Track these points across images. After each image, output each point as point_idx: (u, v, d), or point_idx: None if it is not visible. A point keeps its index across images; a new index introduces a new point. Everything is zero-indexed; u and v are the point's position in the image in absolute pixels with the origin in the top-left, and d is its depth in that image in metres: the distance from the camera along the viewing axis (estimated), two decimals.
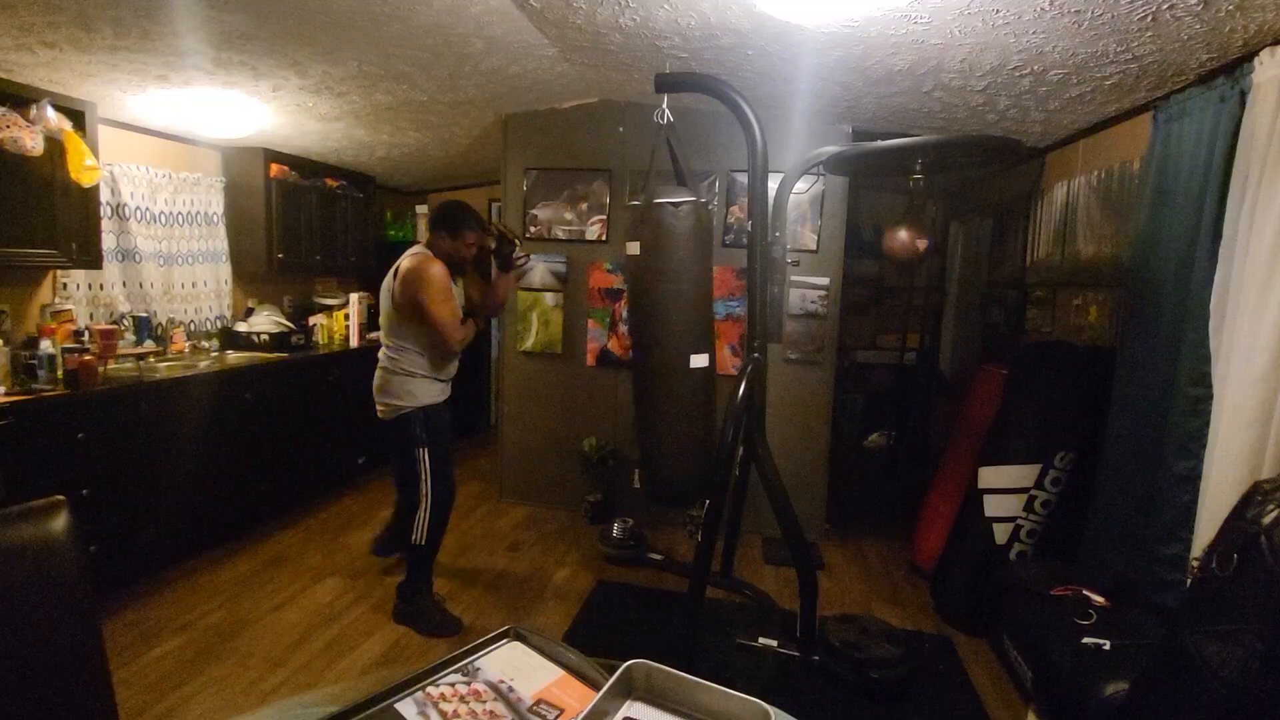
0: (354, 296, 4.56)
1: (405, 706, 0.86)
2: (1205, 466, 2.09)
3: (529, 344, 4.00)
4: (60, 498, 1.08)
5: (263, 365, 3.62)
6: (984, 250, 4.42)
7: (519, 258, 2.82)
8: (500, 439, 4.20)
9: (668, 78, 2.46)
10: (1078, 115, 2.92)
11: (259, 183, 3.97)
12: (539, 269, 3.92)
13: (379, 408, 2.72)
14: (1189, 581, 1.91)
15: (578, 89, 3.47)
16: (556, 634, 2.70)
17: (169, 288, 3.69)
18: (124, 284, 3.44)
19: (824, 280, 3.63)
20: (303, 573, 3.12)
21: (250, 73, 2.83)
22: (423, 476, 2.67)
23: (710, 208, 3.47)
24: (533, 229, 3.92)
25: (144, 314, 3.50)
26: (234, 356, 3.71)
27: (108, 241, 3.24)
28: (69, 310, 3.08)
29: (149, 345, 3.45)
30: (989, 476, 2.86)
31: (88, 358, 2.74)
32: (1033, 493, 2.74)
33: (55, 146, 2.73)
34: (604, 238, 3.84)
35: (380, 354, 2.72)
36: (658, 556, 3.41)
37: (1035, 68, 2.41)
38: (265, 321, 4.05)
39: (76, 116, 2.83)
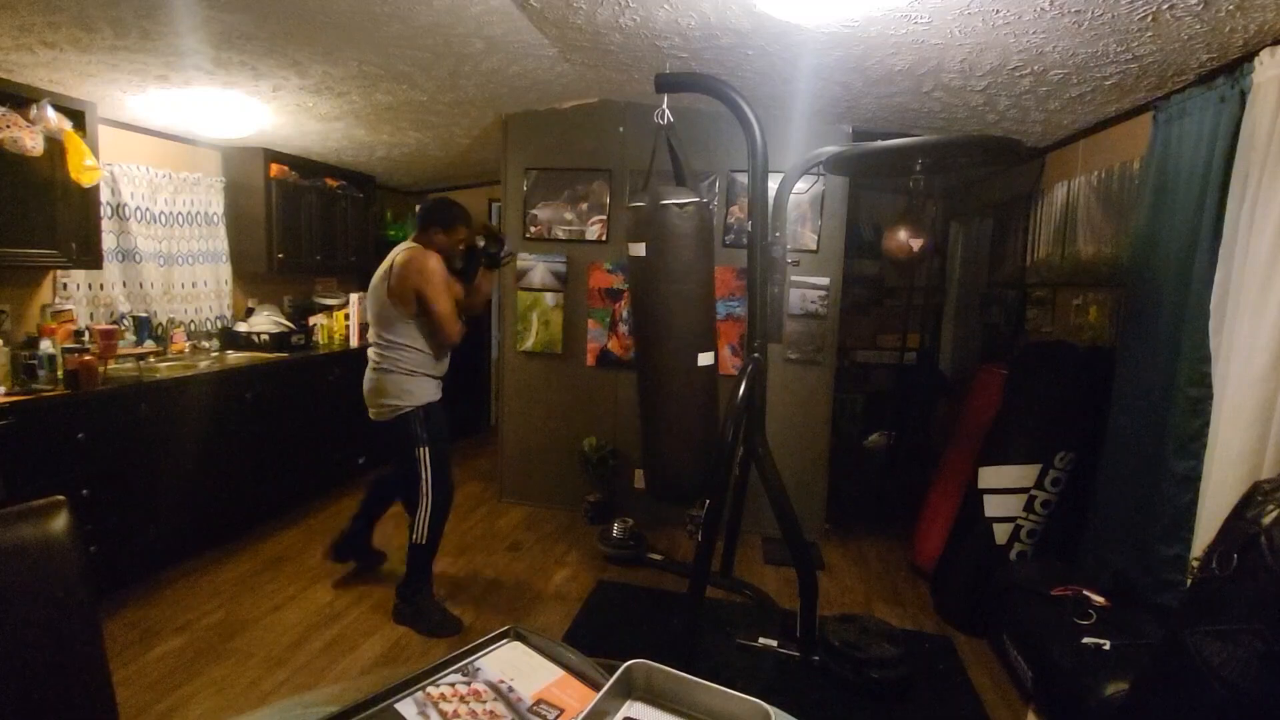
0: (354, 296, 4.56)
1: (405, 706, 0.86)
2: (1205, 466, 2.09)
3: (529, 344, 4.00)
4: (60, 498, 1.09)
5: (263, 365, 3.62)
6: (984, 250, 4.42)
7: (505, 255, 2.91)
8: (500, 439, 4.20)
9: (668, 78, 2.46)
10: (1078, 115, 2.92)
11: (259, 183, 3.97)
12: (539, 269, 3.92)
13: (373, 410, 2.69)
14: (1189, 581, 1.91)
15: (578, 89, 3.47)
16: (556, 634, 2.70)
17: (169, 288, 3.69)
18: (124, 284, 3.44)
19: (824, 280, 3.62)
20: (303, 573, 3.12)
21: (250, 73, 2.83)
22: (423, 476, 2.66)
23: (710, 208, 3.47)
24: (533, 229, 3.92)
25: (144, 314, 3.50)
26: (234, 356, 3.71)
27: (108, 241, 3.24)
28: (69, 310, 3.09)
29: (149, 345, 3.44)
30: (989, 476, 2.86)
31: (88, 358, 2.74)
32: (1033, 493, 2.74)
33: (55, 146, 2.73)
34: (604, 238, 3.84)
35: (370, 354, 2.69)
36: (658, 556, 3.41)
37: (1035, 68, 2.41)
38: (265, 321, 4.05)
39: (76, 116, 2.83)
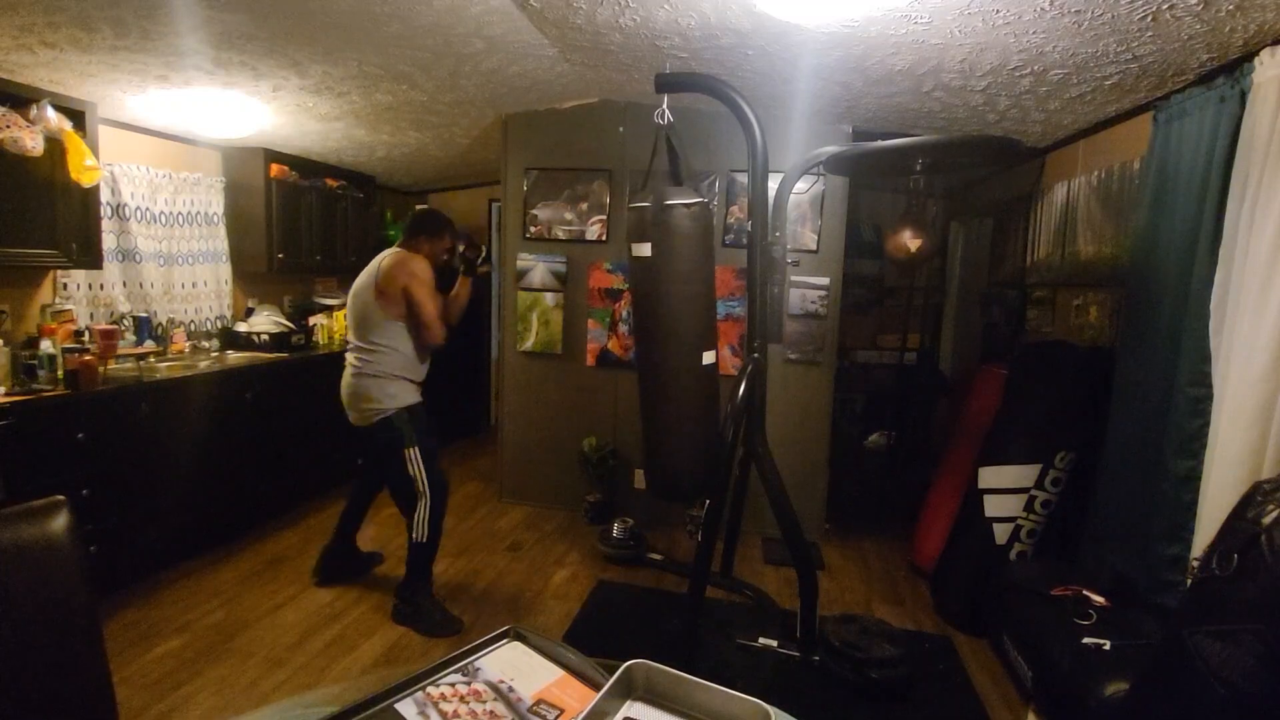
0: None
1: (405, 706, 0.86)
2: (1205, 466, 2.09)
3: (529, 344, 4.00)
4: (60, 498, 1.09)
5: (263, 365, 3.62)
6: (984, 250, 4.42)
7: (482, 262, 3.04)
8: (500, 439, 4.20)
9: (668, 78, 2.46)
10: (1078, 115, 2.92)
11: (259, 183, 3.97)
12: (539, 269, 3.92)
13: (355, 415, 2.72)
14: (1189, 581, 1.91)
15: (578, 89, 3.47)
16: (556, 634, 2.70)
17: (169, 288, 3.69)
18: (124, 284, 3.44)
19: (824, 280, 3.62)
20: (303, 573, 3.12)
21: (250, 73, 2.83)
22: (417, 475, 2.67)
23: (711, 208, 3.47)
24: (533, 229, 3.92)
25: (144, 314, 3.50)
26: (234, 356, 3.71)
27: (108, 241, 3.24)
28: (69, 310, 3.09)
29: (149, 345, 3.45)
30: (989, 476, 2.86)
31: (88, 358, 2.74)
32: (1033, 493, 2.74)
33: (55, 146, 2.73)
34: (604, 238, 3.84)
35: (350, 359, 2.72)
36: (658, 556, 3.41)
37: (1035, 68, 2.41)
38: (265, 321, 4.05)
39: (77, 116, 2.83)
